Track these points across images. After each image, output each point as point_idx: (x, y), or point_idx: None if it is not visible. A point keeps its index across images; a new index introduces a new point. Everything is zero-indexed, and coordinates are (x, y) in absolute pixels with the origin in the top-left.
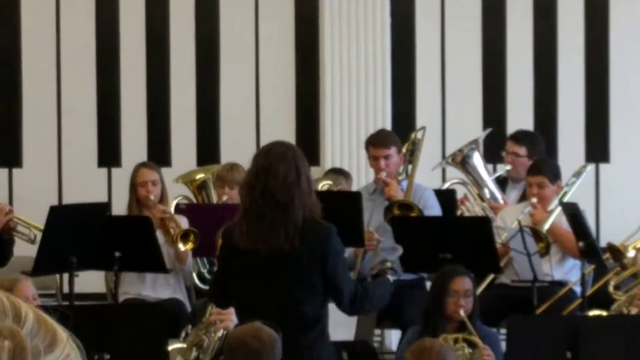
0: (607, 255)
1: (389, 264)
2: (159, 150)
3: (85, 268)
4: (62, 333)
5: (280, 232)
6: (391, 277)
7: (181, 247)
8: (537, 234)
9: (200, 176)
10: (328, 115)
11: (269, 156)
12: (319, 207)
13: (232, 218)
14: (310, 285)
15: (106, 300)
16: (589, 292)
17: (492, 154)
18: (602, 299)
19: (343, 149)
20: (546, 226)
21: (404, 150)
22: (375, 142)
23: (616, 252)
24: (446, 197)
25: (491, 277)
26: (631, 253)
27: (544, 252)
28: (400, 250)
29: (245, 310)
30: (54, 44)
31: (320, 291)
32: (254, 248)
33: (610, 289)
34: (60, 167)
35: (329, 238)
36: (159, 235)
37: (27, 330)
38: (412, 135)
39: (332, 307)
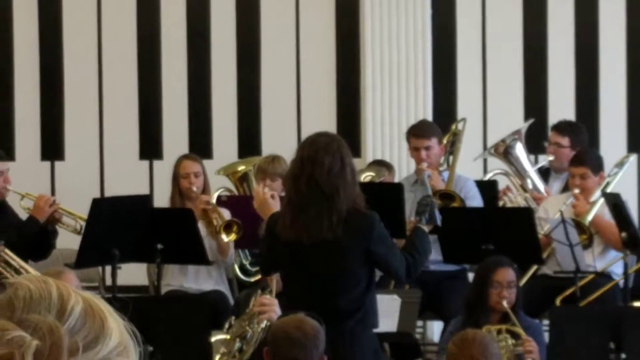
0: None
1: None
2: (200, 142)
3: (128, 260)
4: (113, 325)
5: (324, 223)
6: (424, 225)
7: (224, 237)
8: (579, 226)
9: (241, 168)
10: (369, 107)
11: (315, 146)
12: (362, 199)
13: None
14: (351, 276)
15: (148, 292)
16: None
17: (535, 145)
18: None
19: (384, 140)
20: (589, 218)
21: (444, 141)
22: (416, 133)
23: None
24: (488, 188)
25: (534, 268)
26: None
27: (587, 244)
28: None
29: (289, 300)
30: (95, 37)
31: (363, 281)
32: (297, 238)
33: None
34: (102, 159)
35: (372, 226)
36: (201, 227)
37: (69, 325)
38: (453, 127)
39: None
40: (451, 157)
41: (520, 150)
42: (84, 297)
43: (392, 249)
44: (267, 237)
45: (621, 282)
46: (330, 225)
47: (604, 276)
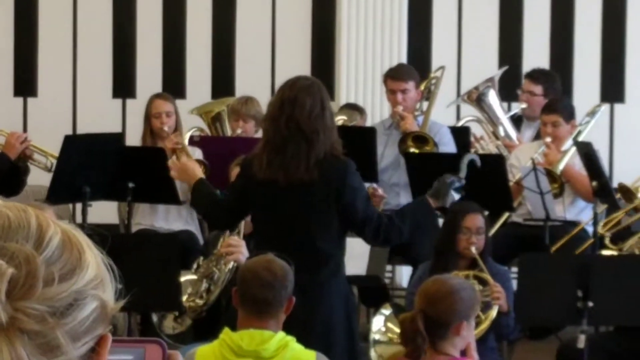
0: (618, 196)
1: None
2: (174, 82)
3: (99, 198)
4: (91, 258)
5: (301, 163)
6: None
7: None
8: (550, 175)
9: (215, 108)
10: (344, 50)
11: (295, 88)
12: (340, 144)
13: (246, 151)
14: (325, 220)
15: (119, 230)
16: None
17: (508, 92)
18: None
19: (358, 84)
20: (560, 167)
21: (421, 87)
22: (394, 76)
23: (627, 193)
24: (460, 134)
25: (506, 215)
26: None
27: (558, 193)
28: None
29: (261, 241)
30: None
31: (335, 227)
32: (273, 179)
33: (606, 241)
34: (75, 97)
35: (346, 173)
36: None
37: (45, 256)
38: (431, 74)
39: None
40: (426, 103)
41: (493, 97)
42: (63, 229)
43: (364, 202)
44: (240, 179)
45: (590, 231)
46: (307, 166)
47: (573, 225)
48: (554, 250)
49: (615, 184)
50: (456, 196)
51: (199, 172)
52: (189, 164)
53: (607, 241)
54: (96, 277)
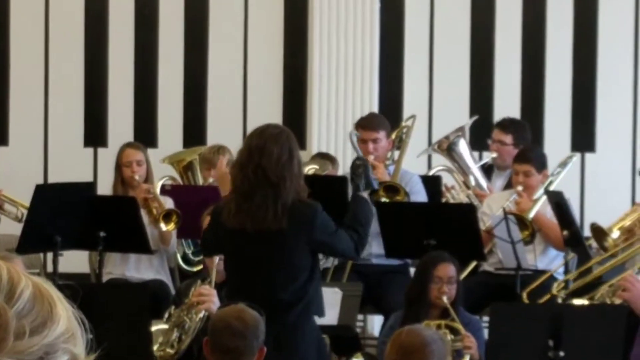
0: (590, 241)
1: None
2: (145, 130)
3: (70, 247)
4: (62, 311)
5: (269, 211)
6: (363, 192)
7: (163, 227)
8: (522, 222)
9: (187, 157)
10: (315, 100)
11: (264, 136)
12: (306, 192)
13: (217, 200)
14: (294, 267)
15: (90, 280)
16: (571, 276)
17: (479, 142)
18: (586, 288)
19: (330, 133)
20: (531, 214)
21: (393, 136)
22: (365, 125)
23: (599, 233)
24: (432, 184)
25: (474, 264)
26: (615, 234)
27: (529, 241)
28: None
29: (232, 289)
30: (42, 21)
31: (307, 270)
32: (241, 226)
33: (554, 291)
34: (46, 146)
35: (315, 215)
36: (144, 215)
37: (17, 309)
38: (403, 124)
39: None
40: (397, 152)
41: (463, 147)
42: (34, 282)
43: (336, 234)
44: (212, 225)
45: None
46: (275, 214)
47: (544, 274)
48: (524, 293)
49: (586, 233)
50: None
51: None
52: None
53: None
54: (67, 330)
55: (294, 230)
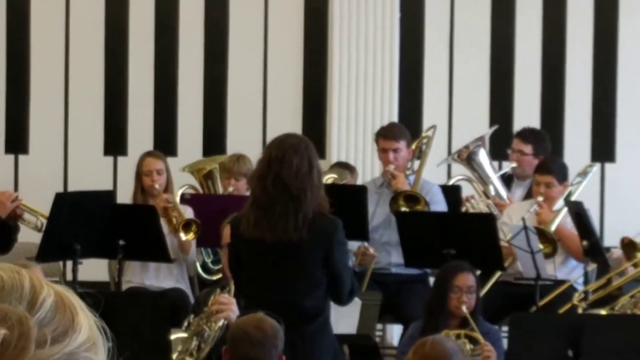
0: (616, 252)
1: None
2: (165, 139)
3: (89, 256)
4: (83, 320)
5: (289, 223)
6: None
7: (183, 236)
8: (543, 235)
9: (207, 166)
10: (335, 109)
11: (283, 146)
12: (327, 202)
13: (237, 209)
14: (313, 278)
15: (109, 288)
16: (591, 287)
17: (498, 151)
18: (605, 299)
19: (349, 143)
20: (553, 227)
21: (413, 146)
22: (386, 135)
23: (629, 247)
24: (451, 193)
25: (498, 275)
26: None
27: (550, 253)
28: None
29: (250, 299)
30: (63, 29)
31: (323, 284)
32: (260, 237)
33: (575, 301)
34: (66, 154)
35: (335, 231)
36: (163, 224)
37: (39, 317)
38: (423, 134)
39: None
40: (417, 162)
41: (483, 156)
42: (56, 291)
43: (346, 262)
44: (231, 237)
45: (580, 289)
46: (295, 226)
47: (564, 284)
48: (541, 305)
49: (606, 244)
50: None
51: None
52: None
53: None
54: (89, 339)
55: (314, 241)
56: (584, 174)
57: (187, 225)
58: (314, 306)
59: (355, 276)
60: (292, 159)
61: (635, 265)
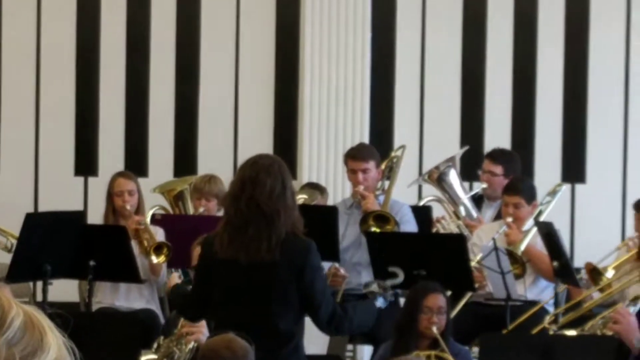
0: (579, 276)
1: (376, 287)
2: (136, 160)
3: (60, 276)
4: (52, 340)
5: (262, 243)
6: (380, 303)
7: (154, 259)
8: (512, 255)
9: (177, 187)
10: (306, 129)
11: (256, 167)
12: (301, 223)
13: (208, 229)
14: (286, 300)
15: (79, 309)
16: (561, 310)
17: (469, 172)
18: (576, 319)
19: (320, 163)
20: (522, 247)
21: (382, 166)
22: (355, 155)
23: (594, 273)
24: (422, 214)
25: (468, 296)
26: (610, 273)
27: (520, 274)
28: (400, 278)
29: (221, 320)
30: (34, 50)
31: (296, 306)
32: (234, 258)
33: (546, 324)
34: (37, 174)
35: (308, 253)
36: (134, 245)
37: (7, 337)
38: (392, 153)
39: (306, 321)
40: (387, 182)
41: (453, 177)
42: (25, 311)
43: (322, 285)
44: (202, 257)
45: (551, 311)
46: (269, 246)
47: (535, 305)
48: (511, 327)
49: (576, 264)
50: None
51: (171, 282)
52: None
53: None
54: (57, 359)
55: (286, 263)
56: (553, 193)
57: (158, 248)
58: (287, 329)
59: None
60: (265, 179)
61: (601, 290)
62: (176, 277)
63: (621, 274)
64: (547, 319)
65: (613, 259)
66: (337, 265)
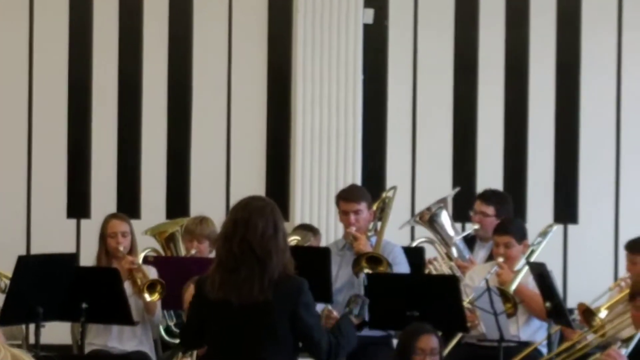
0: (573, 317)
1: (359, 300)
2: (128, 202)
3: (52, 319)
4: None
5: (254, 285)
6: (353, 317)
7: (147, 297)
8: (504, 294)
9: (169, 229)
10: (299, 171)
11: (249, 209)
12: (292, 264)
13: (200, 271)
14: (278, 340)
15: (72, 351)
16: (555, 352)
17: (461, 213)
18: None
19: (313, 205)
20: (513, 286)
21: (374, 207)
22: (346, 197)
23: (587, 313)
24: (414, 255)
25: (459, 336)
26: (603, 314)
27: (511, 313)
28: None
29: None
30: (25, 92)
31: (289, 346)
32: (226, 299)
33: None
34: (29, 216)
35: (300, 291)
36: (127, 286)
37: None
38: (384, 194)
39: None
40: (379, 224)
41: (445, 218)
42: (13, 354)
43: (317, 321)
44: (194, 298)
45: (545, 352)
46: (261, 287)
47: (528, 345)
48: None
49: (569, 305)
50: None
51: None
52: None
53: None
54: None
55: (279, 301)
56: (544, 234)
57: (151, 286)
58: None
59: None
60: (257, 221)
61: (595, 331)
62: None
63: (614, 315)
64: None
65: (606, 299)
66: (329, 307)
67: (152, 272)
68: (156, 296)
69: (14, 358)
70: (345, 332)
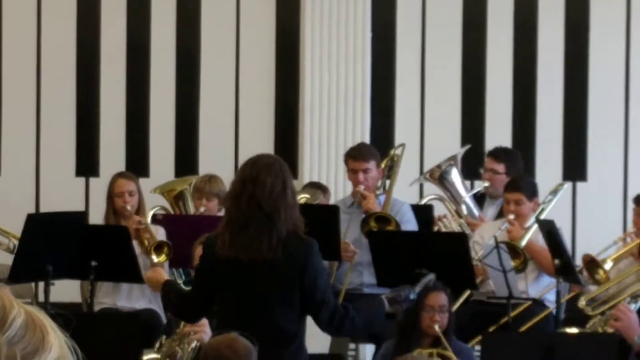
0: (580, 268)
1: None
2: (137, 160)
3: (61, 277)
4: (54, 340)
5: (263, 242)
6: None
7: (154, 258)
8: (514, 250)
9: (177, 187)
10: (307, 129)
11: (257, 166)
12: (302, 222)
13: (209, 229)
14: (287, 299)
15: (81, 309)
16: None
17: (471, 171)
18: (577, 317)
19: (321, 163)
20: (523, 243)
21: (382, 165)
22: (355, 155)
23: (592, 264)
24: (423, 213)
25: (467, 293)
26: (609, 265)
27: (521, 269)
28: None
29: (224, 320)
30: (34, 53)
31: (298, 306)
32: (236, 257)
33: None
34: (38, 175)
35: (310, 253)
36: (135, 245)
37: (9, 336)
38: (392, 152)
39: (308, 320)
40: (388, 182)
41: (455, 175)
42: (27, 310)
43: (325, 285)
44: (203, 257)
45: (553, 309)
46: (270, 245)
47: (536, 303)
48: (521, 330)
49: (578, 262)
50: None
51: (162, 277)
52: (152, 276)
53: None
54: (59, 358)
55: (288, 262)
56: (554, 192)
57: (158, 248)
58: (289, 327)
59: None
60: (265, 178)
61: (598, 283)
62: (163, 272)
63: (618, 271)
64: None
65: (612, 252)
66: (346, 240)
67: (160, 232)
68: (163, 258)
69: (28, 315)
70: (368, 312)
